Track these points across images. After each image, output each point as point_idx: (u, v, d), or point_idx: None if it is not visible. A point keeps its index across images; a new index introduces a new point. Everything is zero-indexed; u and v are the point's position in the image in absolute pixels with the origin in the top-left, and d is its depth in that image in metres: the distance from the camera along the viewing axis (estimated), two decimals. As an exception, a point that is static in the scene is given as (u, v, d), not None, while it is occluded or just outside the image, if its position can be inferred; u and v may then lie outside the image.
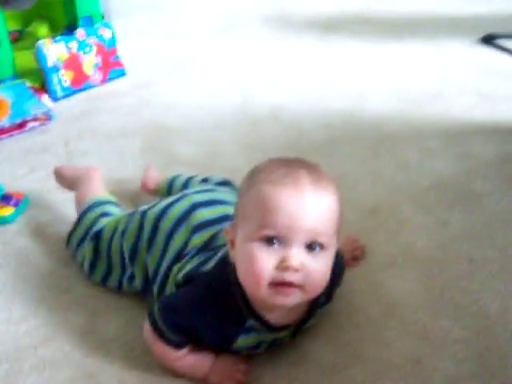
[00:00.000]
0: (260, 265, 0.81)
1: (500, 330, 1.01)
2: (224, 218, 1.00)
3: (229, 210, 1.00)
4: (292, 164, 0.86)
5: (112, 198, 1.20)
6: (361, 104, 1.72)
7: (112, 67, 1.86)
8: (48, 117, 1.63)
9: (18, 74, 1.80)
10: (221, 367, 0.92)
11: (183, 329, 0.88)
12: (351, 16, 2.36)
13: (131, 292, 1.07)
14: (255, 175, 0.86)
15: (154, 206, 1.07)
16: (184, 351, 0.91)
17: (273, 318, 0.88)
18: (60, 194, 1.33)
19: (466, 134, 1.55)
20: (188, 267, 0.94)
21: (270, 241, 0.81)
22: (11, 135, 1.57)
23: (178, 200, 1.05)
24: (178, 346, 0.90)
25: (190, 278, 0.92)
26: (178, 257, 0.97)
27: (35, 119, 1.60)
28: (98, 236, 1.09)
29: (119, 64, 1.87)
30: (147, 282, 1.02)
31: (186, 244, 0.98)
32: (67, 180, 1.28)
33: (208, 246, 0.96)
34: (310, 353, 0.97)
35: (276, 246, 0.81)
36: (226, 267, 0.88)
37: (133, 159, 1.47)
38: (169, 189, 1.25)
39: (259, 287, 0.82)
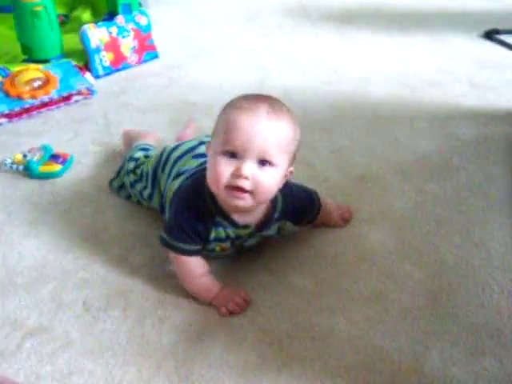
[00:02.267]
0: (220, 171, 1.05)
1: (453, 274, 1.23)
2: None
3: None
4: (260, 97, 1.09)
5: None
6: (364, 88, 1.94)
7: (147, 50, 2.11)
8: (90, 92, 1.88)
9: (65, 54, 2.06)
10: (224, 293, 1.16)
11: (187, 233, 1.13)
12: (366, 9, 2.58)
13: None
14: (229, 103, 1.10)
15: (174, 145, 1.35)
16: (199, 260, 1.16)
17: (235, 216, 1.14)
18: (99, 156, 1.59)
19: (453, 118, 1.76)
20: (176, 184, 1.20)
21: (230, 155, 1.05)
22: (58, 106, 1.83)
23: (192, 140, 1.33)
24: (193, 253, 1.15)
25: (176, 191, 1.19)
26: (177, 176, 1.23)
27: (79, 93, 1.86)
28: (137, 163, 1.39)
29: (153, 48, 2.12)
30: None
31: (184, 166, 1.24)
32: (129, 138, 1.57)
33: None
34: (294, 285, 1.20)
35: (234, 159, 1.05)
36: (201, 177, 1.13)
37: (162, 129, 1.71)
38: None
39: (218, 189, 1.07)
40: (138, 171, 1.37)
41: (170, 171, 1.27)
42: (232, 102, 1.11)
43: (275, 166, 1.07)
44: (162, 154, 1.32)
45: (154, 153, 1.41)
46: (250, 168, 1.05)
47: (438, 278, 1.22)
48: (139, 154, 1.42)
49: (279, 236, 1.26)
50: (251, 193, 1.07)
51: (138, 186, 1.36)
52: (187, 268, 1.16)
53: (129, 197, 1.42)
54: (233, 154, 1.05)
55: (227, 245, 1.20)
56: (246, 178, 1.05)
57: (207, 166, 1.10)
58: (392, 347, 1.07)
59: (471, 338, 1.09)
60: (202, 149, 1.27)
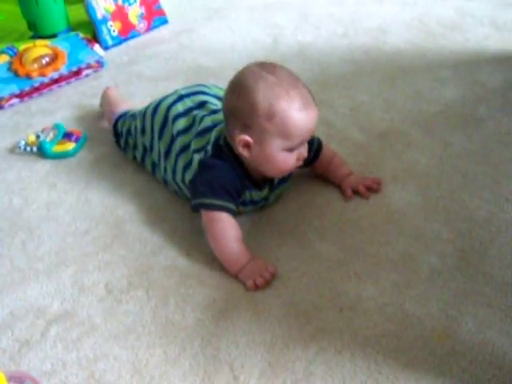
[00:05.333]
0: (288, 164, 1.15)
1: (483, 231, 1.18)
2: (202, 104, 1.29)
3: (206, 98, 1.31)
4: (293, 82, 1.11)
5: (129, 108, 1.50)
6: (382, 39, 1.86)
7: (155, 16, 2.04)
8: (100, 64, 1.84)
9: (71, 27, 2.00)
10: (254, 265, 1.13)
11: (226, 189, 1.15)
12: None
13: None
14: (274, 101, 1.08)
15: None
16: (235, 222, 1.16)
17: (259, 180, 1.21)
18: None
19: (477, 64, 1.68)
20: (196, 159, 1.21)
21: (291, 149, 1.13)
22: (69, 82, 1.79)
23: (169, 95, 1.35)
24: (231, 211, 1.16)
25: (201, 164, 1.19)
26: (183, 150, 1.26)
27: (89, 67, 1.81)
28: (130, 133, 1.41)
29: (161, 13, 2.06)
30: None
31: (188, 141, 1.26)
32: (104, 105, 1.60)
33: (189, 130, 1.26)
34: (319, 252, 1.17)
35: (294, 149, 1.14)
36: (221, 150, 1.18)
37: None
38: None
39: (281, 174, 1.19)
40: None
41: (170, 145, 1.28)
42: (275, 98, 1.09)
43: None
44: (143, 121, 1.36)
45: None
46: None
47: (468, 237, 1.18)
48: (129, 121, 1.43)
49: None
50: None
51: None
52: (223, 229, 1.15)
53: (134, 157, 1.43)
54: (293, 148, 1.13)
55: (246, 208, 1.24)
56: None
57: (254, 157, 1.14)
58: (423, 313, 1.04)
59: (505, 298, 1.05)
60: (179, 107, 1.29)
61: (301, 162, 1.17)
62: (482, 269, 1.11)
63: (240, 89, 1.12)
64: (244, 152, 1.14)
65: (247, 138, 1.12)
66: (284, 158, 1.13)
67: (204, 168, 1.19)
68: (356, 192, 1.28)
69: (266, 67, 1.13)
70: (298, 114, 1.09)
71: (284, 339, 1.02)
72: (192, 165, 1.22)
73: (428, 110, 1.53)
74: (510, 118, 1.46)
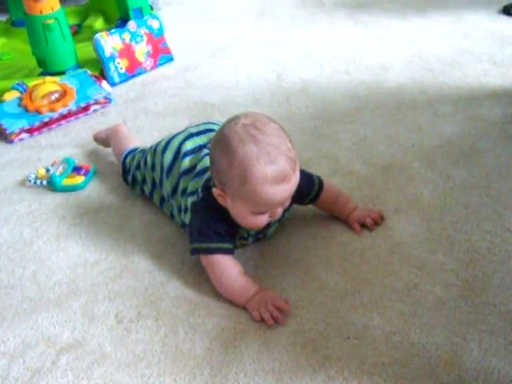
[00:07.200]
0: (259, 223, 1.17)
1: (486, 262, 1.20)
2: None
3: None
4: (273, 153, 1.08)
5: (138, 145, 1.53)
6: (383, 75, 1.91)
7: (161, 54, 2.10)
8: (108, 100, 1.88)
9: (80, 64, 2.05)
10: (260, 296, 1.14)
11: (218, 232, 1.17)
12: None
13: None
14: (249, 171, 1.07)
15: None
16: (233, 259, 1.19)
17: None
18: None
19: (476, 99, 1.73)
20: (189, 202, 1.25)
21: (263, 212, 1.15)
22: (77, 117, 1.83)
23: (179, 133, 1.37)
24: (226, 251, 1.18)
25: (192, 207, 1.23)
26: (183, 192, 1.29)
27: (97, 103, 1.86)
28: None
29: (167, 51, 2.11)
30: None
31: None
32: (102, 140, 1.63)
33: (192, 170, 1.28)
34: (325, 282, 1.19)
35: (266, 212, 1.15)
36: (210, 193, 1.18)
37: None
38: None
39: (255, 229, 1.22)
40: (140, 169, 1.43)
41: (176, 185, 1.31)
42: (249, 167, 1.07)
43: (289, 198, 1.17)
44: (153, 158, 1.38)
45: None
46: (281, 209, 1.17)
47: (471, 267, 1.20)
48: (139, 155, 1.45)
49: (288, 214, 1.29)
50: None
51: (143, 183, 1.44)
52: (223, 269, 1.17)
53: (142, 191, 1.45)
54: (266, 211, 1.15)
55: (248, 241, 1.28)
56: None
57: (229, 208, 1.16)
58: (429, 341, 1.05)
59: (509, 326, 1.07)
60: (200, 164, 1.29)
61: (276, 218, 1.18)
62: (486, 298, 1.13)
63: (222, 146, 1.11)
64: (219, 200, 1.17)
65: (221, 192, 1.15)
66: (254, 219, 1.15)
67: (195, 212, 1.22)
68: (362, 225, 1.31)
69: (250, 130, 1.09)
70: (269, 189, 1.08)
71: (292, 368, 1.03)
72: (188, 209, 1.26)
73: (429, 143, 1.56)
74: (510, 151, 1.50)
